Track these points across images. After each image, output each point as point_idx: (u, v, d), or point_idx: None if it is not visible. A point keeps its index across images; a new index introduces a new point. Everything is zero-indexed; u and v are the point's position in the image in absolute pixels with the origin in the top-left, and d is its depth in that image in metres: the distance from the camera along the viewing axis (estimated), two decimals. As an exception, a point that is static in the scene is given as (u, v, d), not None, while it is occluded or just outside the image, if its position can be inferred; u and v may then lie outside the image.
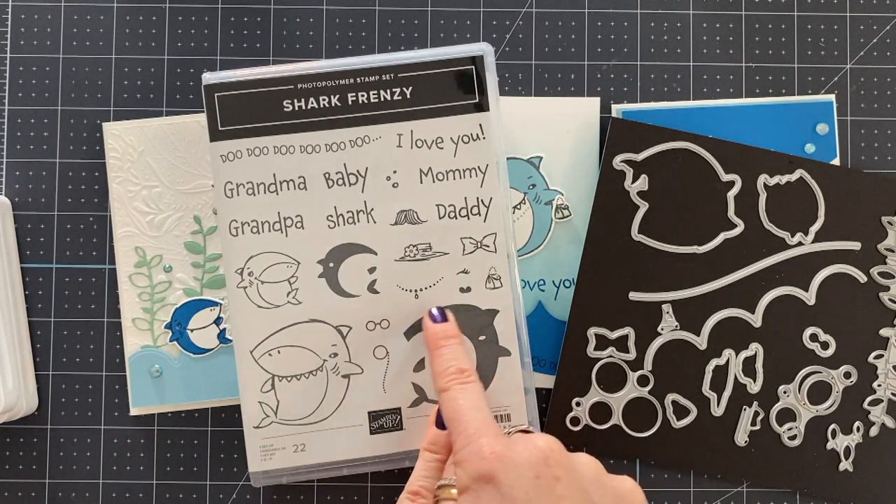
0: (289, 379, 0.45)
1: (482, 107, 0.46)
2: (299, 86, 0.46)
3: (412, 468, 0.43)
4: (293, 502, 0.50)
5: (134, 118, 0.50)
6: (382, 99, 0.46)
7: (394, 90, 0.46)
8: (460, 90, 0.46)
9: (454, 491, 0.39)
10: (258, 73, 0.46)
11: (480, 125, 0.46)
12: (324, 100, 0.46)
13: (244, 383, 0.45)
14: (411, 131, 0.46)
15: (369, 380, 0.46)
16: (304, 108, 0.46)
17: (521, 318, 0.46)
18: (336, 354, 0.45)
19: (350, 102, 0.46)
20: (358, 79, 0.46)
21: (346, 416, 0.46)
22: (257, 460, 0.45)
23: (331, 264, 0.46)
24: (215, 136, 0.46)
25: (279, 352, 0.45)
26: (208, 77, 0.46)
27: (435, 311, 0.45)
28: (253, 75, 0.46)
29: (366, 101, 0.46)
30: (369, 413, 0.46)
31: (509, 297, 0.46)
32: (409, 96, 0.46)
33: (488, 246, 0.46)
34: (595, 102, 0.51)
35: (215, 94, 0.45)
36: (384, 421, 0.46)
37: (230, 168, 0.45)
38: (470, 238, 0.46)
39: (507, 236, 0.46)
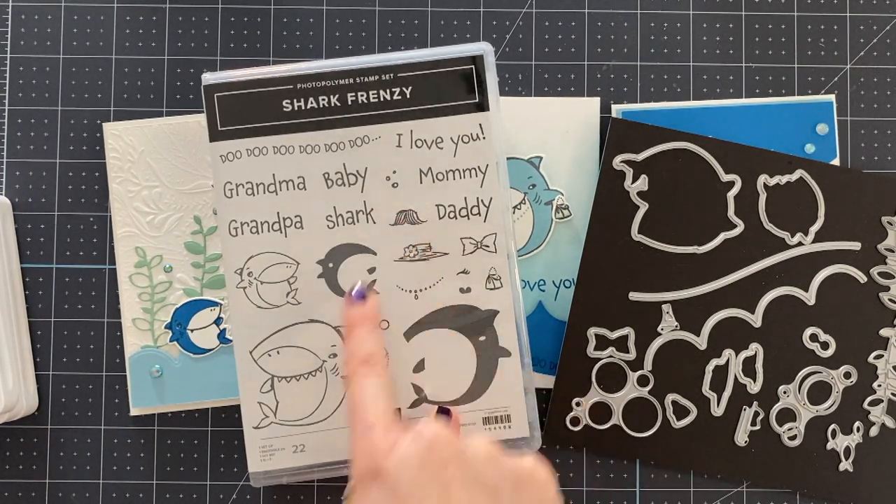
0: (288, 379, 0.45)
1: (482, 107, 0.46)
2: (299, 86, 0.45)
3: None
4: (293, 502, 0.50)
5: (134, 118, 0.50)
6: (382, 99, 0.46)
7: (393, 90, 0.46)
8: (460, 90, 0.46)
9: None
10: (258, 74, 0.46)
11: (480, 125, 0.46)
12: (323, 100, 0.46)
13: (244, 383, 0.45)
14: (411, 131, 0.46)
15: (369, 380, 0.46)
16: (303, 108, 0.46)
17: (521, 318, 0.46)
18: (335, 355, 0.45)
19: (350, 102, 0.46)
20: (357, 79, 0.46)
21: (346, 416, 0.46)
22: (257, 460, 0.45)
23: (330, 264, 0.46)
24: (215, 136, 0.46)
25: (278, 352, 0.45)
26: (208, 77, 0.46)
27: (356, 290, 0.44)
28: (252, 75, 0.46)
29: (365, 101, 0.46)
30: (369, 413, 0.46)
31: (509, 297, 0.46)
32: (408, 96, 0.46)
33: (488, 246, 0.46)
34: (595, 102, 0.51)
35: (215, 95, 0.45)
36: (384, 421, 0.46)
37: (230, 168, 0.45)
38: (470, 238, 0.46)
39: (507, 236, 0.46)
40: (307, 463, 0.46)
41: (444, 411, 0.44)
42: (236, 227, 0.45)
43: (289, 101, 0.45)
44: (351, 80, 0.46)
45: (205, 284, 0.50)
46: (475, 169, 0.46)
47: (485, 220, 0.46)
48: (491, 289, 0.46)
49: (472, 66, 0.46)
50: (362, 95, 0.46)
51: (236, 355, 0.46)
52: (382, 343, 0.43)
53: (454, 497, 0.34)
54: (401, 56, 0.46)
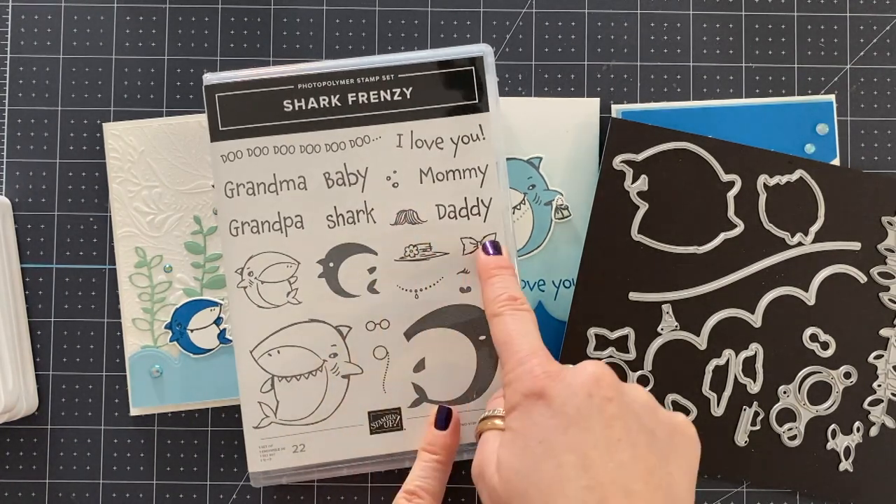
0: (288, 379, 0.45)
1: (482, 107, 0.46)
2: (299, 86, 0.46)
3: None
4: (293, 502, 0.50)
5: (134, 118, 0.50)
6: (382, 99, 0.46)
7: (394, 90, 0.46)
8: (460, 90, 0.46)
9: (498, 421, 0.39)
10: (258, 74, 0.46)
11: (480, 125, 0.46)
12: (324, 100, 0.46)
13: (244, 383, 0.45)
14: (411, 131, 0.46)
15: (369, 380, 0.46)
16: (304, 108, 0.46)
17: (521, 318, 0.46)
18: (336, 355, 0.45)
19: (350, 102, 0.46)
20: (358, 79, 0.46)
21: (346, 416, 0.46)
22: (257, 460, 0.45)
23: (331, 264, 0.46)
24: (216, 136, 0.46)
25: (279, 352, 0.45)
26: (209, 78, 0.46)
27: (489, 245, 0.45)
28: (253, 76, 0.46)
29: (366, 102, 0.46)
30: (369, 413, 0.46)
31: (509, 297, 0.46)
32: (409, 96, 0.46)
33: (488, 246, 0.46)
34: (595, 102, 0.51)
35: (216, 95, 0.45)
36: (384, 421, 0.46)
37: (230, 168, 0.46)
38: (470, 238, 0.46)
39: (507, 236, 0.46)
40: (307, 463, 0.46)
41: (444, 411, 0.44)
42: (237, 226, 0.45)
43: (289, 102, 0.45)
44: (351, 81, 0.46)
45: (205, 284, 0.50)
46: (475, 169, 0.46)
47: (485, 220, 0.46)
48: (491, 289, 0.46)
49: (472, 68, 0.46)
50: (363, 96, 0.46)
51: (236, 355, 0.46)
52: (520, 289, 0.43)
53: (615, 431, 0.35)
54: (401, 57, 0.46)
